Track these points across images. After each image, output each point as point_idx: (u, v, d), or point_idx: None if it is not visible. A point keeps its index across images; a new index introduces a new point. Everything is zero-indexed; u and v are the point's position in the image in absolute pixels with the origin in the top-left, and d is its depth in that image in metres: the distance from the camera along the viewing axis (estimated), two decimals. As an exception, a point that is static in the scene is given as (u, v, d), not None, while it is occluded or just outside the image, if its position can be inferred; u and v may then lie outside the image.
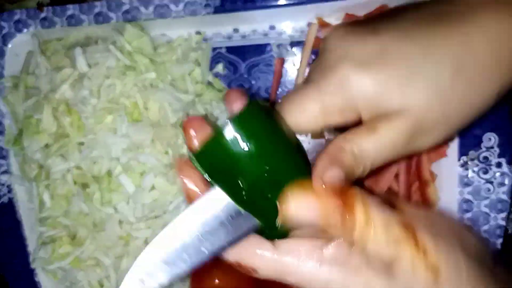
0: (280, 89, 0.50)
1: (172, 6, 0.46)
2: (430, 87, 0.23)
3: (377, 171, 0.44)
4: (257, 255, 0.24)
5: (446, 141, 0.27)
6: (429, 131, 0.24)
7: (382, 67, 0.23)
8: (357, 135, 0.25)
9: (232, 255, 0.25)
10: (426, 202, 0.45)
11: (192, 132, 0.24)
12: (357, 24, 0.27)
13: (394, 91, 0.23)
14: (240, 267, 0.25)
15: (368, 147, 0.24)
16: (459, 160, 0.44)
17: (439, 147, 0.44)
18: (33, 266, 0.51)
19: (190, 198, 0.26)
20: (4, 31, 0.51)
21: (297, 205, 0.23)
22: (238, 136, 0.22)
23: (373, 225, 0.23)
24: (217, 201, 0.24)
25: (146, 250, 0.25)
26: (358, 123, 0.26)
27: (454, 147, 0.44)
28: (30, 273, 0.52)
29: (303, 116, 0.25)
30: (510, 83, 0.25)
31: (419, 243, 0.23)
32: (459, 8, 0.24)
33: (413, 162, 0.43)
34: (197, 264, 0.25)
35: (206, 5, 0.46)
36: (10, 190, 0.52)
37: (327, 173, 0.23)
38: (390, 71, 0.23)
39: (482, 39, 0.23)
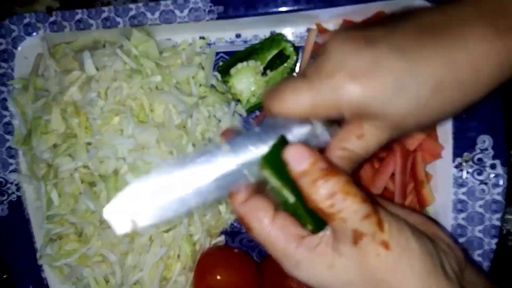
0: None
1: (177, 12, 0.48)
2: (411, 100, 0.27)
3: (374, 171, 0.45)
4: (258, 219, 0.29)
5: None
6: (405, 131, 0.29)
7: (372, 79, 0.26)
8: (348, 141, 0.29)
9: (238, 210, 0.29)
10: (421, 203, 0.45)
11: None
12: (356, 31, 0.29)
13: (379, 102, 0.27)
14: (241, 220, 0.30)
15: (359, 150, 0.29)
16: (453, 161, 0.45)
17: (434, 148, 0.45)
18: (40, 262, 0.52)
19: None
20: (14, 34, 0.52)
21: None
22: None
23: (353, 197, 0.26)
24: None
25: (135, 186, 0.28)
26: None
27: (449, 148, 0.45)
28: (37, 269, 0.53)
29: (294, 104, 0.28)
30: (485, 95, 0.28)
31: (381, 222, 0.26)
32: (449, 23, 0.27)
33: (408, 163, 0.44)
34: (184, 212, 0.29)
35: (210, 11, 0.47)
36: (18, 189, 0.53)
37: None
38: (378, 84, 0.26)
39: (465, 59, 0.26)
